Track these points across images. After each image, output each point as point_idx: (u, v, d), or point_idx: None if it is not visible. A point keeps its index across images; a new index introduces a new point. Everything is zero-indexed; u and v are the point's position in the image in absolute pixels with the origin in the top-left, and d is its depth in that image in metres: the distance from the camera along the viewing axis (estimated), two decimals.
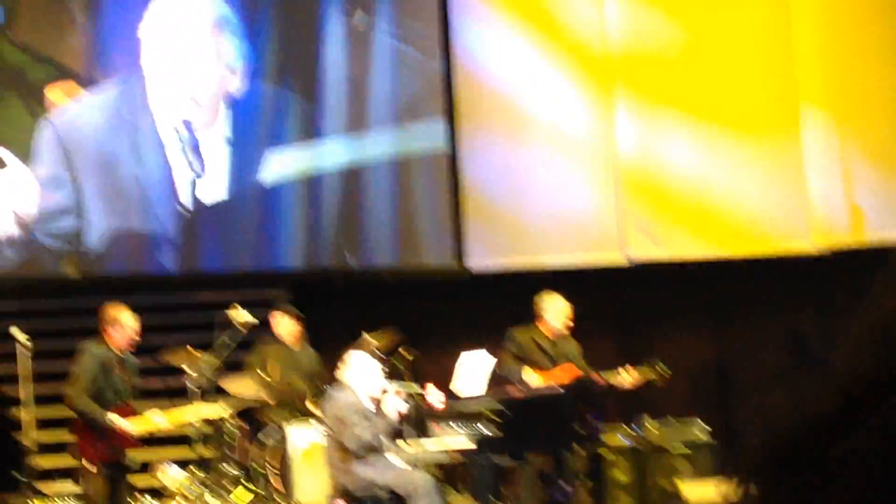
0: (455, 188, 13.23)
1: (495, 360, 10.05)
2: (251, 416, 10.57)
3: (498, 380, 10.11)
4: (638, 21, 13.67)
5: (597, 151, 13.51)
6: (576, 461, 10.12)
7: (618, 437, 11.28)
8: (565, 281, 11.91)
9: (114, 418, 9.38)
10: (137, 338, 9.67)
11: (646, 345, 13.26)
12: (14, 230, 11.96)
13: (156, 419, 9.62)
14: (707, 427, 11.41)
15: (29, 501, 9.75)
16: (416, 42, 13.30)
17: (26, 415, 9.70)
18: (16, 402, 10.32)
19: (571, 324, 10.52)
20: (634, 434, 11.34)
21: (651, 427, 11.33)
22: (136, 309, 9.92)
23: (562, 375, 10.25)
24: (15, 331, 9.66)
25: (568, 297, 10.72)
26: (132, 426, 9.46)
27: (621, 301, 13.73)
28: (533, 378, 10.23)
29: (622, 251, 13.44)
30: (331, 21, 13.11)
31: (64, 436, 9.69)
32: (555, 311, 10.43)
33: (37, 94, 12.20)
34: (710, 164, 13.57)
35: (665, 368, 10.60)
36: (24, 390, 9.66)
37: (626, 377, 10.39)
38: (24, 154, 12.06)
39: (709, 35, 13.73)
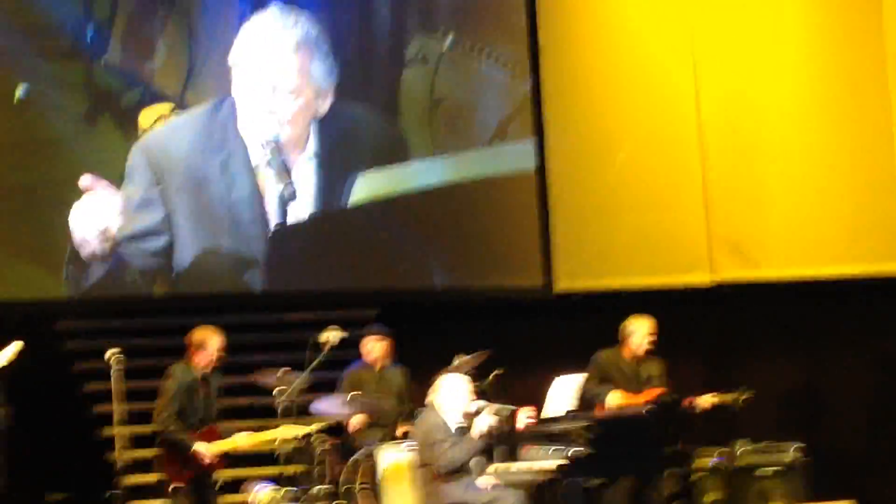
0: (544, 208, 13.18)
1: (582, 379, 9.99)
2: (340, 435, 10.58)
3: (585, 400, 10.04)
4: (725, 35, 13.58)
5: (686, 170, 13.41)
6: (667, 483, 10.04)
7: (708, 460, 11.18)
8: (654, 302, 11.82)
9: (199, 448, 9.43)
10: (221, 356, 9.71)
11: (735, 367, 13.13)
12: (103, 249, 12.07)
13: (240, 438, 9.66)
14: (801, 449, 11.26)
15: None
16: (506, 63, 13.29)
17: (118, 433, 9.77)
18: (108, 420, 10.40)
19: (654, 339, 10.39)
20: (726, 457, 11.23)
21: (743, 449, 11.21)
22: (224, 328, 9.96)
23: (645, 400, 10.16)
24: (110, 350, 9.73)
25: (656, 319, 10.63)
26: (213, 453, 9.49)
27: (711, 323, 13.60)
28: (617, 401, 10.15)
29: (711, 272, 13.32)
30: (418, 42, 13.13)
31: (154, 454, 9.75)
32: (640, 334, 10.35)
33: (130, 117, 12.32)
34: (802, 183, 13.42)
35: (747, 394, 10.48)
36: (116, 409, 9.73)
37: (704, 401, 10.32)
38: (118, 176, 12.18)
39: (799, 50, 13.62)
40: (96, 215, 12.05)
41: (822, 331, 13.62)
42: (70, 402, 11.81)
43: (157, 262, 12.27)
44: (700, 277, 13.28)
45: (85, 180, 12.01)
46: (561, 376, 9.97)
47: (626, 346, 10.40)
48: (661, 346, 10.65)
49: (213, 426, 9.72)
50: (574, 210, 13.24)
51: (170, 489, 9.45)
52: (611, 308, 11.41)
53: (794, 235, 13.38)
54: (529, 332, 13.14)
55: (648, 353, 10.43)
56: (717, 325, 13.61)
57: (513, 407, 9.66)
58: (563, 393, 9.85)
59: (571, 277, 13.18)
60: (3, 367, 9.09)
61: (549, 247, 13.15)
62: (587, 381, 10.21)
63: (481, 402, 9.48)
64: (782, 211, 13.40)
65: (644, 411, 9.86)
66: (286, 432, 9.95)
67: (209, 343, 9.69)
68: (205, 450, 9.46)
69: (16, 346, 9.22)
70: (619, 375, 10.33)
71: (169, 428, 9.46)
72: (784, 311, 13.63)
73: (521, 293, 13.15)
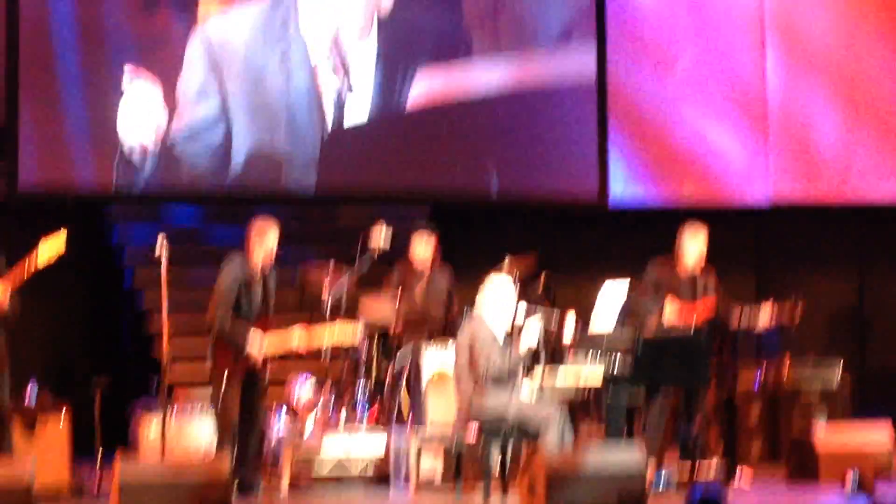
0: (602, 116, 13.07)
1: (631, 291, 9.89)
2: (385, 336, 10.58)
3: (633, 312, 9.95)
4: None
5: (746, 85, 13.26)
6: (708, 401, 10.00)
7: (751, 378, 11.12)
8: (707, 217, 11.72)
9: (253, 350, 9.30)
10: (276, 252, 9.61)
11: (785, 286, 13.06)
12: (153, 144, 12.01)
13: (295, 336, 9.51)
14: (845, 370, 11.20)
15: (164, 408, 9.86)
16: None
17: (164, 323, 9.77)
18: (157, 309, 10.44)
19: (704, 253, 10.27)
20: (769, 375, 11.17)
21: (787, 369, 11.15)
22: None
23: (700, 310, 10.04)
24: (159, 238, 9.67)
25: (709, 234, 10.53)
26: (265, 351, 9.38)
27: (763, 241, 13.52)
28: (672, 309, 10.01)
29: (765, 190, 13.21)
30: None
31: (200, 345, 9.75)
32: (694, 242, 10.21)
33: (190, 4, 12.24)
34: (855, 111, 13.30)
35: (799, 308, 10.39)
36: (164, 298, 9.73)
37: (765, 314, 10.18)
38: (174, 65, 12.12)
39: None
40: (145, 110, 11.97)
41: (874, 254, 13.54)
42: (119, 291, 11.89)
43: (212, 159, 12.21)
44: (755, 196, 13.16)
45: (128, 70, 11.93)
46: (610, 280, 9.86)
47: (682, 254, 10.24)
48: (713, 260, 10.56)
49: (269, 318, 9.56)
50: (633, 118, 13.12)
51: (218, 382, 9.36)
52: (664, 220, 11.31)
53: (850, 160, 13.26)
54: (582, 239, 13.10)
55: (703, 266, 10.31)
56: (771, 243, 13.53)
57: (560, 317, 9.58)
58: (611, 300, 9.75)
59: (627, 186, 13.10)
60: (51, 259, 8.93)
61: (606, 154, 13.05)
62: (643, 288, 10.08)
63: (528, 314, 9.39)
64: (839, 135, 13.27)
65: (694, 332, 9.77)
66: (340, 332, 9.74)
67: (269, 234, 9.53)
68: (259, 347, 9.33)
69: (61, 236, 8.98)
70: (675, 283, 10.19)
71: (225, 322, 9.35)
72: (837, 234, 13.53)
73: (577, 203, 13.08)
